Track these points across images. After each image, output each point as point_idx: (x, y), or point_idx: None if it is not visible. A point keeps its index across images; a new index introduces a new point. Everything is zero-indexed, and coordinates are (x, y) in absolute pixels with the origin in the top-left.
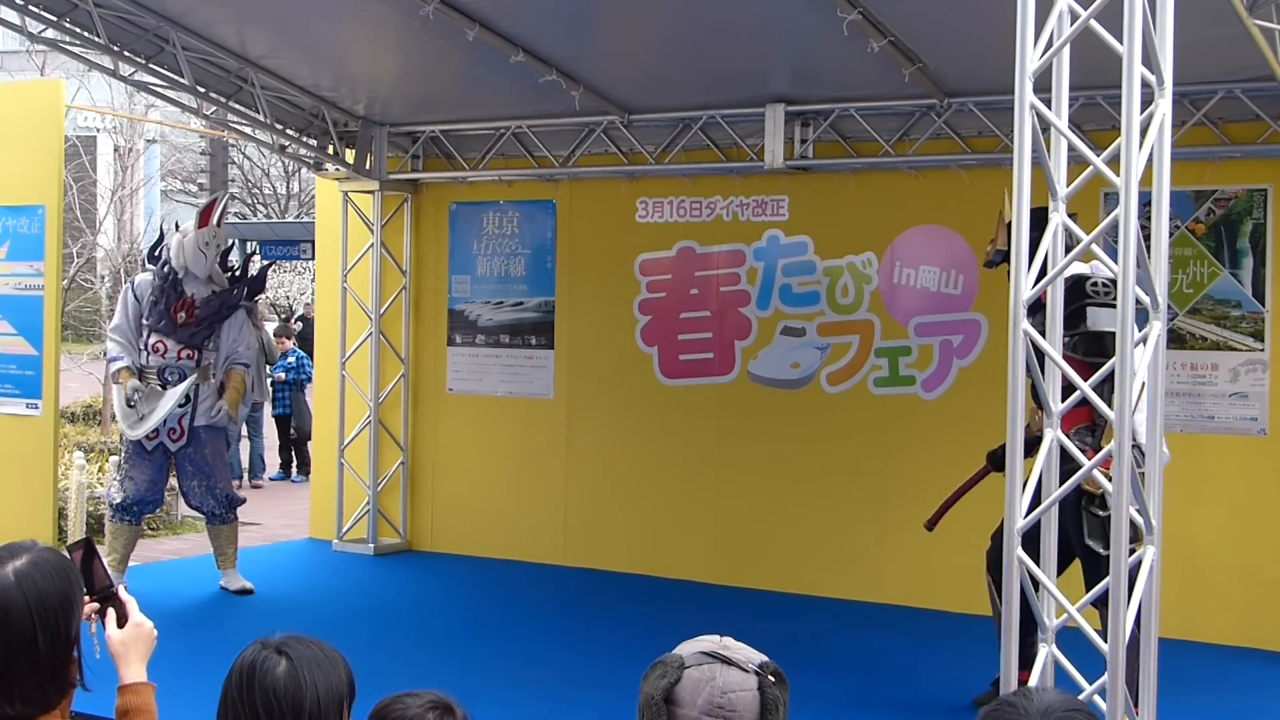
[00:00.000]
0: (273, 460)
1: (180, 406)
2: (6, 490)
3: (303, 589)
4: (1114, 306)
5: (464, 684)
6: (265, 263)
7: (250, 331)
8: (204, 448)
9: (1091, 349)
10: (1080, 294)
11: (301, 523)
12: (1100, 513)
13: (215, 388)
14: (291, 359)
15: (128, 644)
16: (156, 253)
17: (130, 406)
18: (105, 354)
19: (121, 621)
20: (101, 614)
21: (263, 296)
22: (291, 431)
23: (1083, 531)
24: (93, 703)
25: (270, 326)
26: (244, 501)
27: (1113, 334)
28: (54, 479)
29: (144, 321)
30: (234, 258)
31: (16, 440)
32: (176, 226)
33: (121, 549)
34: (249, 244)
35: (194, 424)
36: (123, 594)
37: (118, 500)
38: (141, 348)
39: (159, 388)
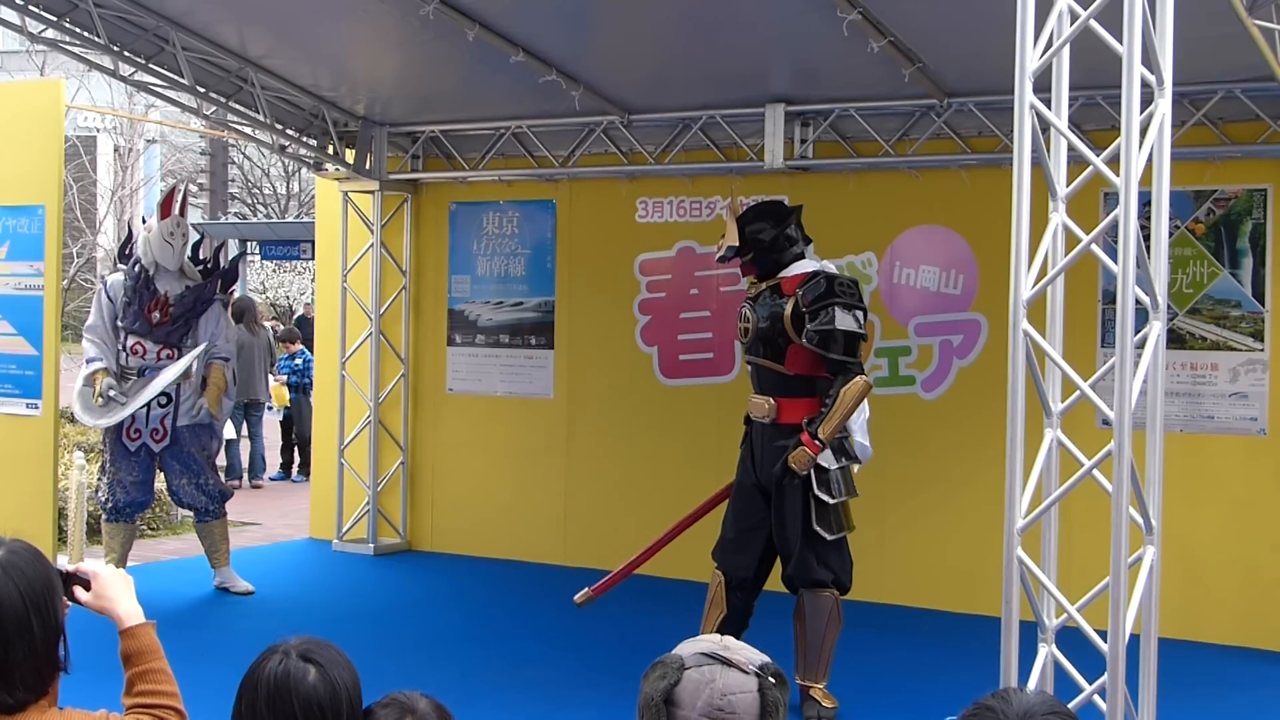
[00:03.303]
0: (273, 460)
1: (162, 407)
2: (6, 490)
3: (303, 589)
4: (862, 308)
5: (464, 684)
6: (237, 254)
7: (229, 325)
8: (188, 446)
9: (825, 344)
10: (830, 293)
11: (301, 523)
12: (829, 499)
13: (196, 386)
14: (299, 360)
15: (102, 594)
16: (127, 251)
17: (99, 403)
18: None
19: (87, 586)
20: (69, 595)
21: (261, 298)
22: (294, 435)
23: (811, 517)
24: (94, 694)
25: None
26: (233, 495)
27: (847, 332)
28: (54, 479)
29: (119, 323)
30: (204, 251)
31: (16, 440)
32: (144, 221)
33: (119, 548)
34: (248, 244)
35: (176, 424)
36: (72, 568)
37: (109, 504)
38: (120, 349)
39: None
